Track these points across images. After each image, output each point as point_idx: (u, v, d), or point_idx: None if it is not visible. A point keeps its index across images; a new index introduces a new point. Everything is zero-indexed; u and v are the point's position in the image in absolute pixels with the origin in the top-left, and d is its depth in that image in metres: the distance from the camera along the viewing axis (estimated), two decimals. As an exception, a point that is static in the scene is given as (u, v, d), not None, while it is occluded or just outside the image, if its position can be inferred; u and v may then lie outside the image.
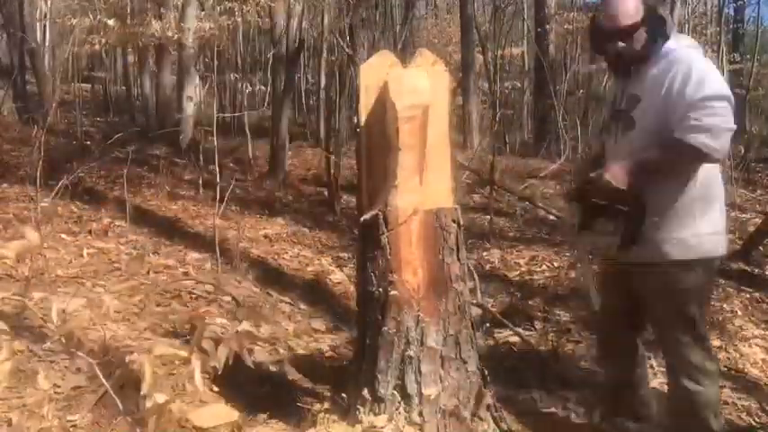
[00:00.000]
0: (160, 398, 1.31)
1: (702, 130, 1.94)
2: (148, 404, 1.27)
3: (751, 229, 5.73)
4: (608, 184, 2.09)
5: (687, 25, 12.96)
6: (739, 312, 3.94)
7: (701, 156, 1.99)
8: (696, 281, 2.14)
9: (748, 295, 4.29)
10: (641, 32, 2.13)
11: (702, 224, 2.11)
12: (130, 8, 7.38)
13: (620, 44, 2.15)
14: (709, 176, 2.13)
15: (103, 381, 1.33)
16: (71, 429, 2.03)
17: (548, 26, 11.17)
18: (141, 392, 1.25)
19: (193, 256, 4.44)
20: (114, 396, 1.31)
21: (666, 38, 2.15)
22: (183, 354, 1.28)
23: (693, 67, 2.04)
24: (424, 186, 2.13)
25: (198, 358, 1.27)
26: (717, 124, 1.95)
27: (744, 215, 6.87)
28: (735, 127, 1.99)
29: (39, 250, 3.33)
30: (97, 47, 7.53)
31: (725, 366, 3.24)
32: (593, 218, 2.21)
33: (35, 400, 2.18)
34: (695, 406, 2.17)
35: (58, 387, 2.32)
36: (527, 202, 6.59)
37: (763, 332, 3.71)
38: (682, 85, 2.01)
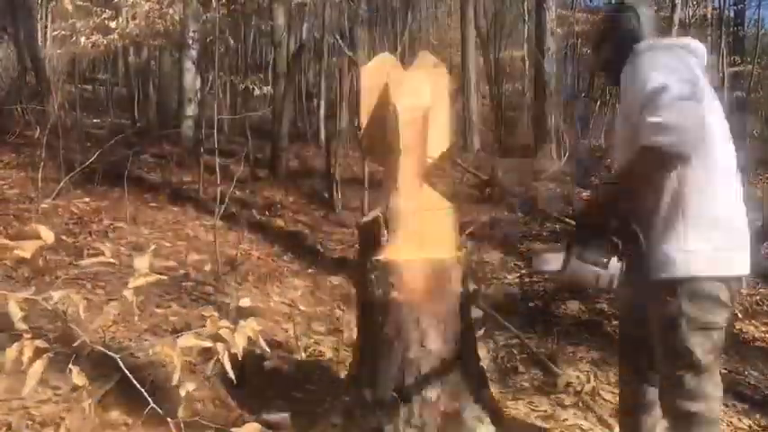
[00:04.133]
0: (190, 386, 1.36)
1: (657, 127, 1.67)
2: (182, 392, 1.32)
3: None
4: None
5: (688, 28, 12.97)
6: (740, 315, 3.94)
7: (662, 155, 1.68)
8: (691, 306, 1.80)
9: (748, 298, 4.29)
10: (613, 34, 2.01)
11: (690, 239, 1.79)
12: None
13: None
14: (694, 183, 1.81)
15: (128, 375, 1.37)
16: (70, 430, 2.04)
17: (548, 27, 11.16)
18: (173, 383, 1.29)
19: (193, 257, 4.44)
20: (141, 389, 1.36)
21: (635, 37, 1.95)
22: (207, 344, 1.32)
23: (639, 62, 1.84)
24: (423, 188, 2.14)
25: (222, 347, 1.31)
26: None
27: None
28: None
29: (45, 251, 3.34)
30: (102, 48, 7.51)
31: (725, 369, 3.24)
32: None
33: (39, 400, 2.20)
34: None
35: (59, 389, 2.33)
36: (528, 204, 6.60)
37: (763, 335, 3.71)
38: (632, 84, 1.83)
